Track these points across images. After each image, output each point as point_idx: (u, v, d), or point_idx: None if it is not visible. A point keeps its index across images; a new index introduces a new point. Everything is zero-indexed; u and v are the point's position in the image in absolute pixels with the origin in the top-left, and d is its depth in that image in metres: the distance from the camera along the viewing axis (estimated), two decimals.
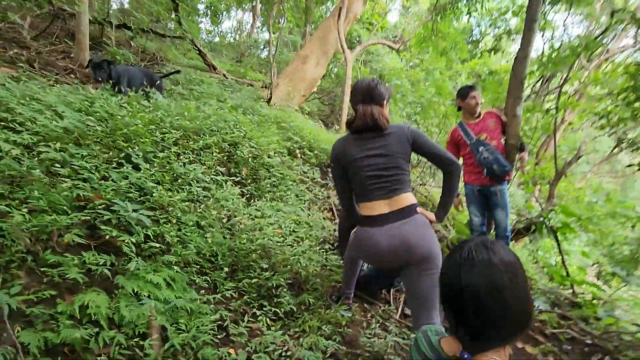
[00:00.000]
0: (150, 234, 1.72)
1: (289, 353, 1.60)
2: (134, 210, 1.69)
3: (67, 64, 4.65)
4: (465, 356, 0.74)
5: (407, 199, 1.62)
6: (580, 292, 4.00)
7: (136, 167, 2.15)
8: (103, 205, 1.71)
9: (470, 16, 10.55)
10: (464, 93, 3.14)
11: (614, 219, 6.61)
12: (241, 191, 2.74)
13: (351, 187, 1.74)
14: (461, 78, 14.06)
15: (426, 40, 11.72)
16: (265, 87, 8.79)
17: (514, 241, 4.99)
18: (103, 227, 1.61)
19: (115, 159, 2.13)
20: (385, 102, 1.70)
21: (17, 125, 1.94)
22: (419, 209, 1.64)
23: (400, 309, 2.40)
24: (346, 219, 2.56)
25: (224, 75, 8.58)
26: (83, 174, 1.79)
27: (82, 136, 2.10)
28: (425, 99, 11.61)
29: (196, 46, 8.46)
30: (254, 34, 15.78)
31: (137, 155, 2.22)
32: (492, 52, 14.12)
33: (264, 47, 15.32)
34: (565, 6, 4.89)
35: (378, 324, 2.08)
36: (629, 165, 2.68)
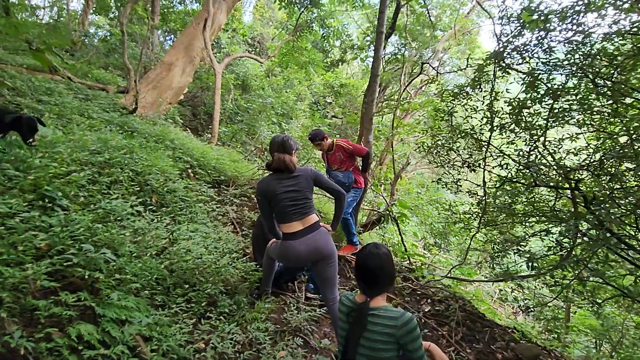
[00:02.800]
0: (112, 268, 2.00)
1: (241, 337, 2.19)
2: (96, 251, 1.95)
3: None
4: (367, 299, 1.59)
5: (314, 218, 2.42)
6: (414, 261, 5.67)
7: (64, 208, 2.27)
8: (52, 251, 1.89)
9: (324, 39, 12.21)
10: (310, 140, 3.98)
11: (431, 205, 9.16)
12: (158, 218, 3.03)
13: (273, 212, 2.43)
14: (319, 87, 15.99)
15: (287, 55, 12.92)
16: (123, 93, 8.19)
17: (370, 231, 6.52)
18: (70, 269, 1.83)
19: (38, 203, 2.20)
20: (293, 151, 2.46)
21: None
22: (321, 223, 2.46)
23: (303, 295, 3.21)
24: (258, 234, 3.23)
25: (69, 78, 7.48)
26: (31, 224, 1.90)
27: (0, 184, 2.10)
28: (289, 105, 12.87)
29: (31, 45, 7.10)
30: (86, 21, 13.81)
31: (59, 196, 2.32)
32: (340, 63, 16.54)
33: (106, 38, 13.66)
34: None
35: (293, 307, 2.83)
36: (436, 180, 4.15)
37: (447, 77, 15.28)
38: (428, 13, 6.09)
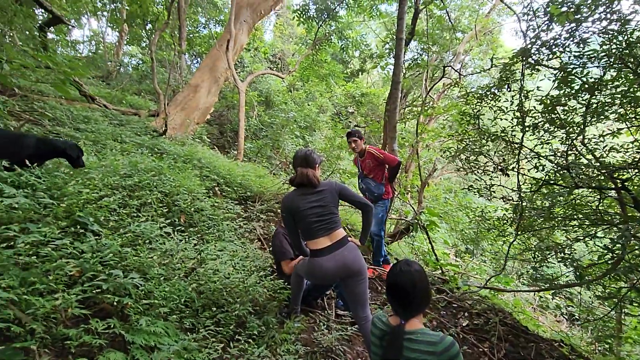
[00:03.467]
0: (141, 293, 2.01)
1: None
2: (125, 276, 1.97)
3: None
4: (402, 322, 1.48)
5: (341, 232, 2.34)
6: (446, 270, 5.42)
7: (95, 234, 2.33)
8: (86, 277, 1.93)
9: (343, 50, 12.27)
10: (347, 137, 4.04)
11: (460, 210, 8.82)
12: (186, 238, 3.05)
13: (298, 229, 2.38)
14: (340, 98, 16.07)
15: (308, 69, 13.09)
16: (154, 116, 8.54)
17: (399, 240, 6.33)
18: (101, 295, 1.85)
19: (71, 229, 2.27)
20: (317, 165, 2.41)
21: None
22: (349, 238, 2.38)
23: (333, 312, 3.11)
24: (278, 242, 3.17)
25: (105, 106, 7.91)
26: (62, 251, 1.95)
27: (36, 212, 2.18)
28: (311, 118, 12.96)
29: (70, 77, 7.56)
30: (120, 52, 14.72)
31: (90, 221, 2.38)
32: (360, 73, 16.54)
33: (138, 66, 14.50)
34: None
35: (323, 326, 2.75)
36: (467, 187, 3.97)
37: (470, 79, 14.92)
38: (448, 15, 5.94)
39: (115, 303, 1.86)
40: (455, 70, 5.81)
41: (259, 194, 5.19)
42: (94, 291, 1.85)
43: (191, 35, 14.29)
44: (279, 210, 4.94)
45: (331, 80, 14.26)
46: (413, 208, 5.83)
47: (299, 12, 11.29)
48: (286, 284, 2.99)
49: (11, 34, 6.06)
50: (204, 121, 9.63)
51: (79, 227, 2.26)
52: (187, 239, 2.95)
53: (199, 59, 15.82)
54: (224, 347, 2.15)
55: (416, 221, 5.62)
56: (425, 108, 6.00)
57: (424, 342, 1.42)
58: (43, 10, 7.80)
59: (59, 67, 2.08)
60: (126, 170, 3.30)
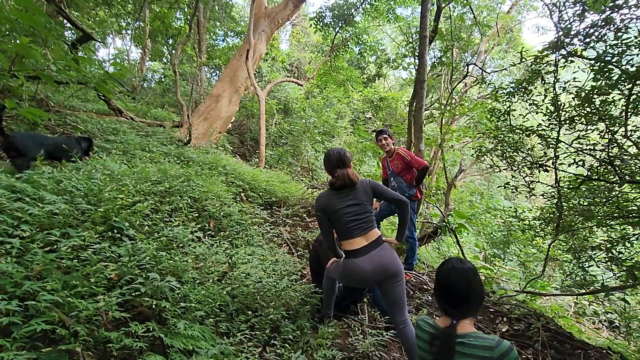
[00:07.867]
0: (177, 296, 2.00)
1: None
2: (162, 280, 1.96)
3: None
4: (454, 322, 1.39)
5: (377, 232, 2.26)
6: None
7: (131, 238, 2.35)
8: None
9: (361, 55, 12.26)
10: (375, 136, 4.00)
11: (488, 212, 8.52)
12: (217, 242, 3.05)
13: (334, 229, 2.32)
14: (358, 103, 16.03)
15: (325, 75, 13.12)
16: (178, 127, 8.74)
17: (426, 245, 6.16)
18: (139, 299, 1.85)
19: (108, 234, 2.29)
20: (350, 164, 2.35)
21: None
22: (384, 238, 2.30)
23: (367, 316, 3.01)
24: (315, 256, 3.11)
25: (132, 118, 8.16)
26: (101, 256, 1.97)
27: (75, 217, 2.22)
28: (330, 124, 12.94)
29: (100, 92, 7.90)
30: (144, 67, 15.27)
31: (126, 226, 2.41)
32: (377, 78, 16.45)
33: (161, 80, 15.02)
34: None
35: (358, 331, 2.66)
36: (503, 185, 3.81)
37: (491, 77, 14.64)
38: (471, 10, 5.82)
39: (153, 306, 1.85)
40: (480, 68, 5.66)
41: (283, 199, 5.18)
42: (133, 294, 1.84)
43: (210, 49, 14.67)
44: (305, 215, 4.91)
45: (349, 85, 14.26)
46: (441, 210, 5.66)
47: (316, 20, 11.39)
48: (317, 288, 2.92)
49: (45, 52, 6.35)
50: (226, 130, 9.78)
51: (115, 231, 2.29)
52: (218, 244, 2.94)
53: (217, 71, 16.23)
54: (261, 352, 2.10)
55: (444, 224, 5.45)
56: (454, 106, 5.85)
57: (479, 346, 1.32)
58: (72, 31, 8.17)
59: (101, 73, 2.14)
60: (156, 177, 3.35)
